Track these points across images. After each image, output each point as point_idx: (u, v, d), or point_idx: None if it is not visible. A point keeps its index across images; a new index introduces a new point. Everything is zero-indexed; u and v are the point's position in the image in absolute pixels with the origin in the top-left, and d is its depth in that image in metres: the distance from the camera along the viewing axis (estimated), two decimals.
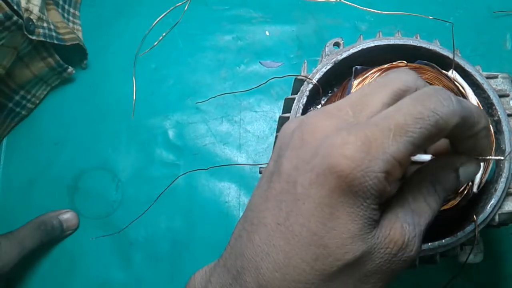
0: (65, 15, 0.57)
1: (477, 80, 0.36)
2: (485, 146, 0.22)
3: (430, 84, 0.34)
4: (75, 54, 0.56)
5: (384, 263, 0.21)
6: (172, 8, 0.60)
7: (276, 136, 0.36)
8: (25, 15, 0.47)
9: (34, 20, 0.48)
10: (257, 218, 0.22)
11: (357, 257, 0.20)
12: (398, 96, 0.21)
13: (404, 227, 0.21)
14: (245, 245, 0.22)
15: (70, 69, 0.55)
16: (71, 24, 0.57)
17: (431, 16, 0.52)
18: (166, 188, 0.51)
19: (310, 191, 0.20)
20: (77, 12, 0.59)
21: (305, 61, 0.39)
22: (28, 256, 0.47)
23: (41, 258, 0.52)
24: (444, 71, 0.35)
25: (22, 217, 0.51)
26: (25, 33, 0.46)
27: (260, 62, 0.57)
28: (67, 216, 0.51)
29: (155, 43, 0.58)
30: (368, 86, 0.22)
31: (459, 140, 0.22)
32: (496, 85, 0.37)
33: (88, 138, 0.55)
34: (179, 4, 0.60)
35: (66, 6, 0.57)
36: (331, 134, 0.20)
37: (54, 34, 0.50)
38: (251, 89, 0.54)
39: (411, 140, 0.19)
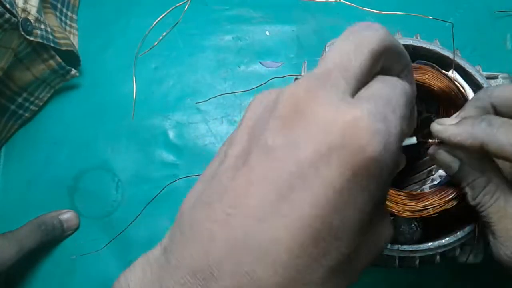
0: (63, 18, 0.57)
1: (477, 80, 0.36)
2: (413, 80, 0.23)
3: (430, 84, 0.34)
4: (71, 59, 0.56)
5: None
6: (172, 8, 0.60)
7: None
8: (23, 15, 0.46)
9: (32, 21, 0.48)
10: (234, 202, 0.18)
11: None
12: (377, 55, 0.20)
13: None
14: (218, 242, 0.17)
15: (73, 71, 0.54)
16: (68, 28, 0.57)
17: (431, 16, 0.52)
18: (163, 190, 0.51)
19: (324, 172, 0.17)
20: (74, 16, 0.59)
21: (305, 61, 0.39)
22: (27, 256, 0.47)
23: (41, 258, 0.52)
24: (444, 71, 0.35)
25: (22, 217, 0.51)
26: (22, 33, 0.46)
27: (260, 62, 0.57)
28: (68, 216, 0.51)
29: (155, 43, 0.58)
30: (344, 45, 0.20)
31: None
32: (496, 85, 0.37)
33: (88, 138, 0.55)
34: (179, 4, 0.60)
35: (64, 10, 0.57)
36: (342, 106, 0.17)
37: (51, 37, 0.50)
38: (251, 89, 0.54)
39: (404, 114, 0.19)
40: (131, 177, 0.54)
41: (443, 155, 0.31)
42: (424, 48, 0.36)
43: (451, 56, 0.36)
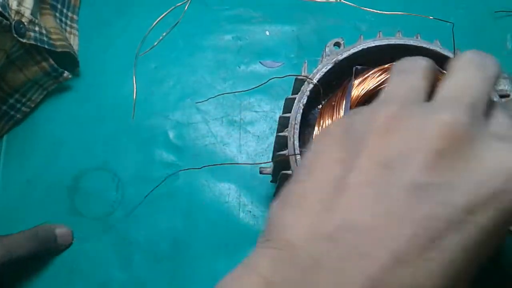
0: (63, 19, 0.56)
1: None
2: None
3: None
4: (69, 61, 0.56)
5: None
6: (172, 8, 0.60)
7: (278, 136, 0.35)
8: (16, 17, 0.46)
9: (25, 23, 0.48)
10: (371, 240, 0.16)
11: None
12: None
13: None
14: None
15: (66, 73, 0.54)
16: (68, 28, 0.57)
17: (431, 16, 0.52)
18: (157, 186, 0.51)
19: (479, 218, 0.16)
20: (75, 16, 0.59)
21: (306, 61, 0.39)
22: (15, 263, 0.45)
23: (41, 258, 0.51)
24: (444, 71, 0.35)
25: (21, 218, 0.52)
26: (15, 35, 0.46)
27: (260, 62, 0.57)
28: (62, 231, 0.51)
29: (155, 43, 0.58)
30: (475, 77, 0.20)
31: None
32: (496, 85, 0.37)
33: (88, 138, 0.55)
34: (179, 4, 0.60)
35: (65, 10, 0.57)
36: (502, 151, 0.17)
37: (45, 39, 0.50)
38: (251, 89, 0.54)
39: None
40: (131, 177, 0.54)
41: None
42: (424, 48, 0.36)
43: (451, 56, 0.36)
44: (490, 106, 0.19)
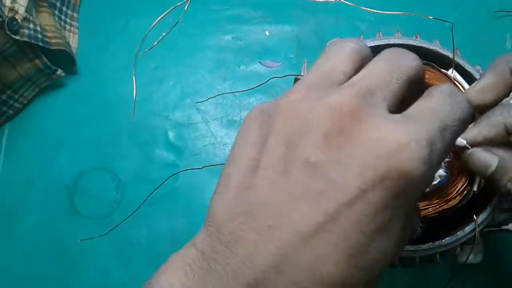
0: (62, 17, 0.57)
1: (477, 80, 0.36)
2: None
3: (430, 83, 0.34)
4: (65, 59, 0.56)
5: None
6: (172, 8, 0.60)
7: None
8: (10, 14, 0.47)
9: (19, 20, 0.48)
10: (277, 216, 0.18)
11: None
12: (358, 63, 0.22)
13: None
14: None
15: (59, 71, 0.54)
16: (68, 26, 0.57)
17: (431, 16, 0.52)
18: (159, 186, 0.51)
19: (370, 195, 0.17)
20: (75, 14, 0.59)
21: (305, 61, 0.39)
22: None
23: (41, 258, 0.52)
24: (444, 71, 0.35)
25: (21, 218, 0.52)
26: (8, 32, 0.46)
27: (260, 62, 0.57)
28: None
29: (155, 43, 0.58)
30: (385, 66, 0.21)
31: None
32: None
33: (88, 138, 0.55)
34: (179, 4, 0.60)
35: (64, 8, 0.57)
36: (389, 128, 0.18)
37: (40, 36, 0.50)
38: (251, 89, 0.54)
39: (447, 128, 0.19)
40: (131, 177, 0.54)
41: (479, 155, 0.28)
42: (424, 48, 0.36)
43: (451, 55, 0.36)
44: (409, 98, 0.21)
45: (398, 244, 0.19)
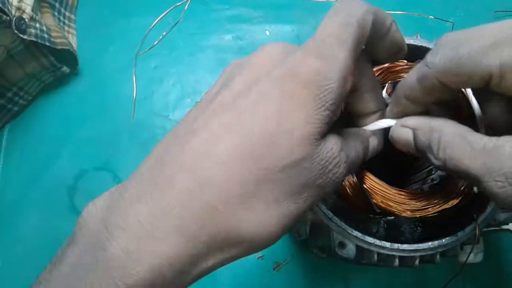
0: (61, 18, 0.57)
1: None
2: (401, 37, 0.25)
3: None
4: (68, 59, 0.56)
5: (319, 176, 0.22)
6: (172, 7, 0.60)
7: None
8: (17, 13, 0.47)
9: (26, 20, 0.48)
10: (198, 123, 0.23)
11: (300, 158, 0.21)
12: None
13: (343, 149, 0.23)
14: (178, 151, 0.23)
15: (64, 68, 0.54)
16: (66, 27, 0.57)
17: (431, 16, 0.52)
18: None
19: (270, 92, 0.21)
20: (72, 16, 0.59)
21: None
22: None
23: (41, 258, 0.51)
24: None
25: (21, 218, 0.51)
26: (16, 31, 0.46)
27: None
28: None
29: (155, 43, 0.58)
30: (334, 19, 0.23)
31: (378, 41, 0.24)
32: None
33: (88, 138, 0.55)
34: (179, 3, 0.60)
35: (62, 9, 0.57)
36: (289, 54, 0.22)
37: (46, 36, 0.50)
38: None
39: (348, 46, 0.21)
40: None
41: (398, 130, 0.26)
42: (425, 47, 0.36)
43: None
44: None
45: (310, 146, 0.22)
